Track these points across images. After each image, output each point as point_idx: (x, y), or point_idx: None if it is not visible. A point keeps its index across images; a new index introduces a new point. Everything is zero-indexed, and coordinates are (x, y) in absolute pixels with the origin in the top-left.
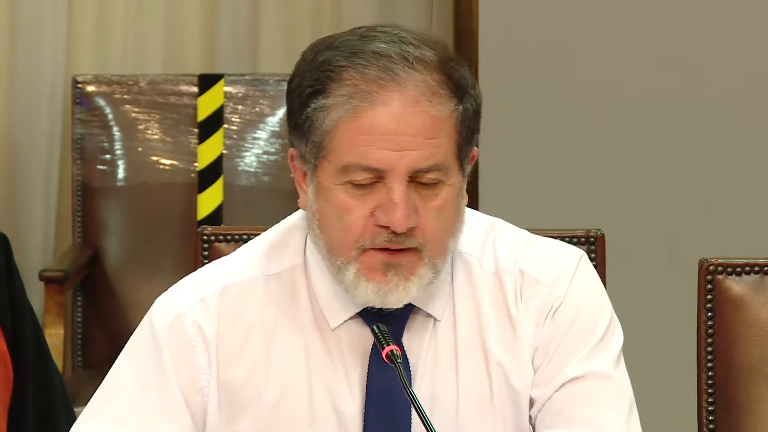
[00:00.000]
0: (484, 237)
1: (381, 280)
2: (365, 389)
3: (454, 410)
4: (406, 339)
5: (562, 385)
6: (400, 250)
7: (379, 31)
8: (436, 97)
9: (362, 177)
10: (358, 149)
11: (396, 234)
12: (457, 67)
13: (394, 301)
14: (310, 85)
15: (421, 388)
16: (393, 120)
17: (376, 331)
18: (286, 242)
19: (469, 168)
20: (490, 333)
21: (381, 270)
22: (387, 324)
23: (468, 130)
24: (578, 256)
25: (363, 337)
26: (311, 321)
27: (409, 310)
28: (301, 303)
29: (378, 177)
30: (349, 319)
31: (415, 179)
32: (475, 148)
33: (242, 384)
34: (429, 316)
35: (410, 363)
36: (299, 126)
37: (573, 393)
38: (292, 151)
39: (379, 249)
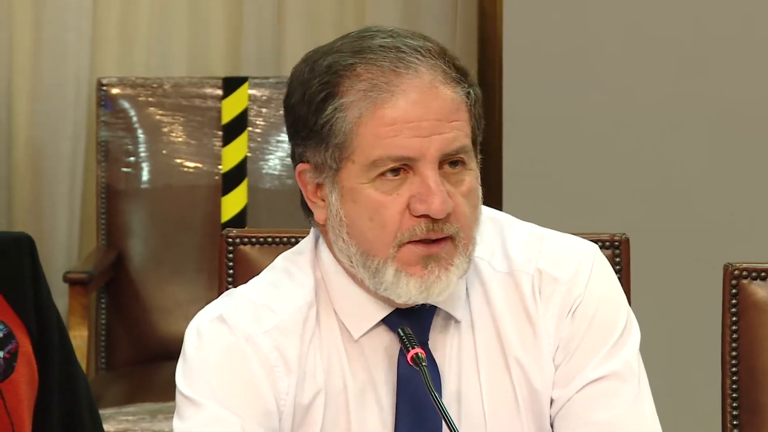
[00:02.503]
0: (490, 237)
1: (422, 273)
2: (395, 395)
3: (480, 411)
4: (431, 341)
5: (582, 387)
6: (437, 241)
7: (373, 31)
8: (449, 80)
9: (393, 167)
10: (386, 141)
11: (435, 221)
12: (454, 56)
13: (437, 293)
14: (320, 90)
15: (447, 389)
16: (415, 107)
17: (402, 334)
18: (299, 273)
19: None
20: (508, 334)
21: (420, 263)
22: (412, 328)
23: (478, 116)
24: (593, 250)
25: (392, 344)
26: (339, 336)
27: (433, 311)
28: (331, 321)
29: (408, 167)
30: (374, 327)
31: (443, 165)
32: None
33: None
34: (449, 317)
35: (437, 364)
36: (316, 133)
37: (592, 395)
38: (301, 167)
39: (417, 242)
